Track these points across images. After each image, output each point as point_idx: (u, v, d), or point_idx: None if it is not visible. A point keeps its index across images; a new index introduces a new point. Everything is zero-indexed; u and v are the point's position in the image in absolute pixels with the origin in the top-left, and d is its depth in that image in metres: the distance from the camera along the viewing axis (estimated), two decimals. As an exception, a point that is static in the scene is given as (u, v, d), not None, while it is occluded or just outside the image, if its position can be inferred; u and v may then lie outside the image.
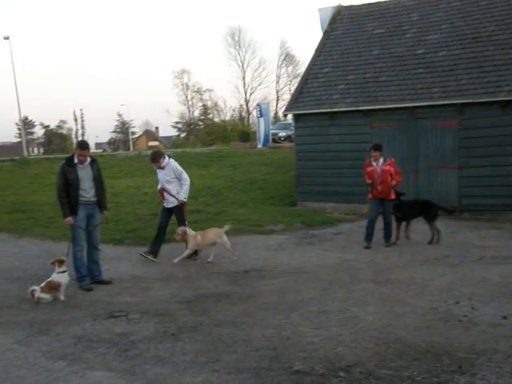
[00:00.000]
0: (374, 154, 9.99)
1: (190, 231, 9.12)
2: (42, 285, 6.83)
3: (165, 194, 9.25)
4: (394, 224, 10.17)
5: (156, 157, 9.33)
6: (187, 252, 9.07)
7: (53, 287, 6.88)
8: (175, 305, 6.56)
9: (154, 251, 9.20)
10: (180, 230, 9.06)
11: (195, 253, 9.26)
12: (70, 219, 7.42)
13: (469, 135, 13.46)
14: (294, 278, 7.77)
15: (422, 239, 10.25)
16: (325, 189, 15.03)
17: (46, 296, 6.77)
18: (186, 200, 9.34)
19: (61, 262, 7.08)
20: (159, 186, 9.45)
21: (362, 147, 13.96)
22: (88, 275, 7.59)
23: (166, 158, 9.35)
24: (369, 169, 10.07)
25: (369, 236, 9.91)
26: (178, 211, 9.29)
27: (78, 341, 5.34)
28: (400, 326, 5.53)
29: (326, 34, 17.27)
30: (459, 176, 13.61)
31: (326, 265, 8.55)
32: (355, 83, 15.17)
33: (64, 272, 7.03)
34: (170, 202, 9.25)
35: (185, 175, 9.34)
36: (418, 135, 14.05)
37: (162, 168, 9.25)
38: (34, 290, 6.77)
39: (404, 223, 10.31)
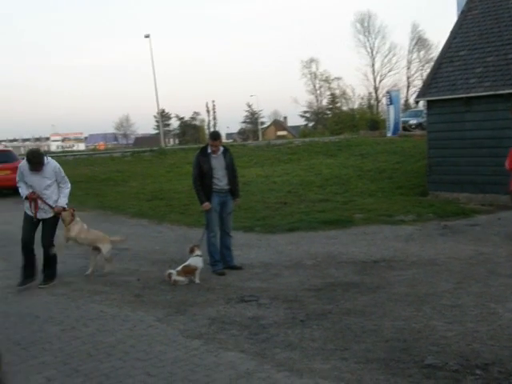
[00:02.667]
0: None
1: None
2: (179, 268, 7.26)
3: (39, 202, 7.29)
4: None
5: (40, 160, 7.20)
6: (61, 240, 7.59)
7: (188, 271, 7.28)
8: (304, 292, 6.65)
9: (52, 274, 7.47)
10: (71, 210, 7.69)
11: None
12: (206, 204, 7.77)
13: None
14: (425, 269, 7.52)
15: None
16: (459, 178, 14.29)
17: (181, 279, 7.18)
18: (66, 206, 7.60)
19: (197, 247, 7.48)
20: (27, 192, 7.29)
21: (502, 134, 13.04)
22: (221, 260, 7.93)
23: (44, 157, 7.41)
24: None
25: None
26: (52, 222, 7.44)
27: (212, 322, 5.62)
28: (544, 325, 5.16)
29: (463, 14, 16.32)
30: None
31: (460, 257, 8.16)
32: (495, 66, 14.19)
33: (200, 256, 7.42)
34: (45, 212, 7.36)
35: (66, 177, 7.65)
36: None
37: (39, 170, 7.25)
38: (170, 273, 7.22)
39: None
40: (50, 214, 7.35)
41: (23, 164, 7.31)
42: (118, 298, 6.60)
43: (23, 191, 7.32)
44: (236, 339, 5.12)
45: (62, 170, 7.53)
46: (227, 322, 5.62)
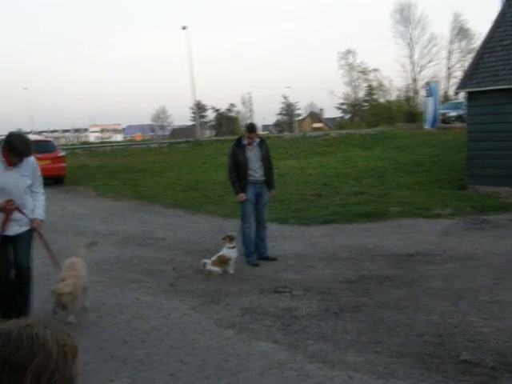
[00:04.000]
0: None
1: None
2: (214, 258, 7.32)
3: (14, 213, 5.11)
4: None
5: (30, 148, 5.11)
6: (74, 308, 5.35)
7: (223, 261, 7.34)
8: (337, 284, 6.62)
9: (26, 303, 5.39)
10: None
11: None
12: (242, 195, 7.80)
13: None
14: (462, 264, 7.39)
15: None
16: (499, 172, 13.93)
17: (216, 269, 7.25)
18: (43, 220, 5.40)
19: (231, 239, 7.52)
20: None
21: (545, 126, 12.67)
22: (255, 251, 7.96)
23: None
24: None
25: None
26: (29, 237, 5.33)
27: (245, 312, 5.65)
28: None
29: (508, 3, 15.86)
30: None
31: (499, 252, 7.97)
32: (539, 56, 13.76)
33: (233, 248, 7.46)
34: (20, 225, 5.21)
35: (42, 179, 5.49)
36: None
37: (16, 164, 5.09)
38: (205, 263, 7.29)
39: None
40: (27, 227, 5.24)
41: None
42: (153, 287, 6.70)
43: None
44: (269, 330, 5.14)
45: (38, 169, 5.40)
46: (260, 312, 5.65)
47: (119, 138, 70.45)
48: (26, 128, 63.71)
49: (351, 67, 69.74)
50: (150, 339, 4.99)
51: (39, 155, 16.90)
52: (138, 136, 72.56)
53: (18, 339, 1.00)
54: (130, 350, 4.76)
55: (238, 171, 7.83)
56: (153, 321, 5.48)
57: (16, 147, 4.95)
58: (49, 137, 30.55)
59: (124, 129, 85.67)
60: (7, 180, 5.06)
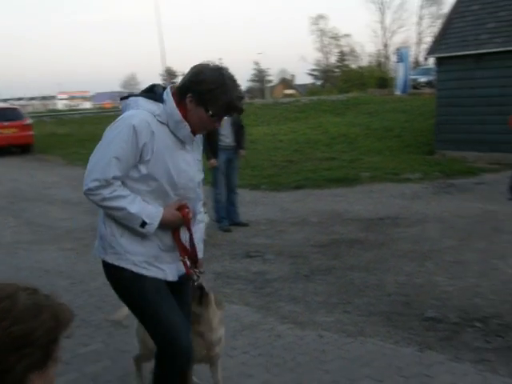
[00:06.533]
0: None
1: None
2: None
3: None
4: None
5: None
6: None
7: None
8: (309, 248, 6.73)
9: None
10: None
11: None
12: (214, 161, 7.77)
13: None
14: (429, 226, 7.57)
15: None
16: (467, 137, 14.17)
17: (189, 235, 7.27)
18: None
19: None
20: (159, 208, 2.47)
21: (512, 91, 12.88)
22: (227, 217, 8.01)
23: None
24: None
25: None
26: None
27: (217, 276, 5.72)
28: (545, 280, 5.22)
29: (476, -32, 15.88)
30: None
31: (465, 215, 8.19)
32: (508, 20, 13.85)
33: (205, 213, 7.48)
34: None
35: None
36: None
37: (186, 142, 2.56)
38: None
39: None
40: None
41: (147, 119, 2.53)
42: (125, 254, 6.69)
43: (137, 206, 2.43)
44: (241, 293, 5.22)
45: None
46: (233, 276, 5.73)
47: (88, 105, 69.14)
48: (-10, 96, 61.99)
49: (323, 33, 69.32)
50: (121, 305, 5.01)
51: (5, 123, 16.62)
52: (108, 103, 71.30)
53: None
54: (103, 315, 4.79)
55: (208, 136, 7.80)
56: (126, 287, 5.50)
57: (232, 98, 2.43)
58: (15, 104, 29.81)
59: (93, 96, 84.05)
60: (180, 167, 2.54)
